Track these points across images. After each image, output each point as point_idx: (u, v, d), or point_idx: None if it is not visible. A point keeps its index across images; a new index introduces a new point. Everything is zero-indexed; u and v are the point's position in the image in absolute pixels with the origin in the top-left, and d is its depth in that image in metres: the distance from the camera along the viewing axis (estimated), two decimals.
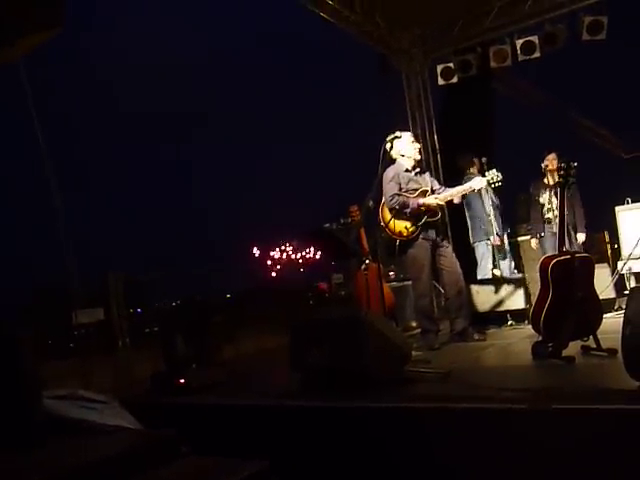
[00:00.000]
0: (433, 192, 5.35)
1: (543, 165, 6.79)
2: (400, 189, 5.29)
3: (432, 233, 5.31)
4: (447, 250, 5.37)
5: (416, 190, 5.33)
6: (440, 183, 5.80)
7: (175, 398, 4.30)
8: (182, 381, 4.42)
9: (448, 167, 8.82)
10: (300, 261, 29.07)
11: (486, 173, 5.19)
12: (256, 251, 28.51)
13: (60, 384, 4.29)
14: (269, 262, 29.36)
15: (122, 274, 6.32)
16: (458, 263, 5.40)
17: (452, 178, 7.85)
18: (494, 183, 5.11)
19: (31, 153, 4.85)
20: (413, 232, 5.24)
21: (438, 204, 5.27)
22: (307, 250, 28.16)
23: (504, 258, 7.24)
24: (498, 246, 7.10)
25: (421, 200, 5.24)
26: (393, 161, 5.38)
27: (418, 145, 5.49)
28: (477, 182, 5.21)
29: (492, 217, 6.96)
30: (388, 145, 5.21)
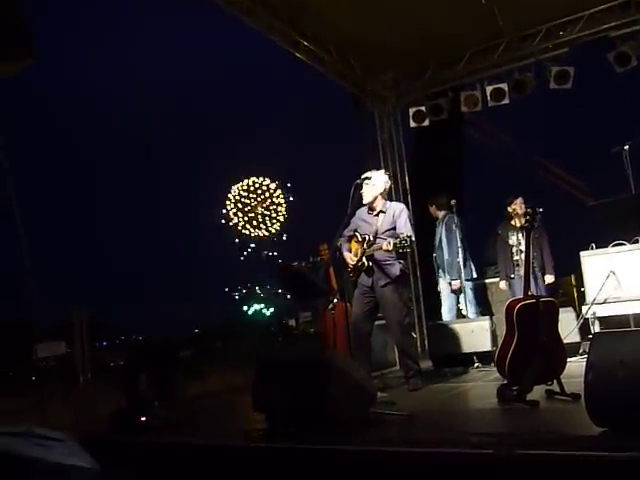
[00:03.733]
0: (376, 237, 5.20)
1: (510, 209, 6.91)
2: (356, 230, 5.40)
3: (365, 280, 5.28)
4: (384, 296, 5.20)
5: (364, 234, 5.30)
6: (411, 223, 5.41)
7: (135, 436, 4.19)
8: (143, 419, 4.31)
9: (417, 207, 8.87)
10: None
11: (400, 236, 4.93)
12: None
13: (17, 420, 4.16)
14: None
15: (87, 308, 6.19)
16: (397, 309, 5.20)
17: (423, 217, 7.92)
18: (400, 248, 4.85)
19: None
20: (352, 275, 5.38)
21: (352, 258, 5.30)
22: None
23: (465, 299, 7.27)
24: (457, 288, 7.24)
25: (344, 250, 5.42)
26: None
27: (364, 188, 5.30)
28: (385, 243, 5.00)
29: (460, 260, 7.06)
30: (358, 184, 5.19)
